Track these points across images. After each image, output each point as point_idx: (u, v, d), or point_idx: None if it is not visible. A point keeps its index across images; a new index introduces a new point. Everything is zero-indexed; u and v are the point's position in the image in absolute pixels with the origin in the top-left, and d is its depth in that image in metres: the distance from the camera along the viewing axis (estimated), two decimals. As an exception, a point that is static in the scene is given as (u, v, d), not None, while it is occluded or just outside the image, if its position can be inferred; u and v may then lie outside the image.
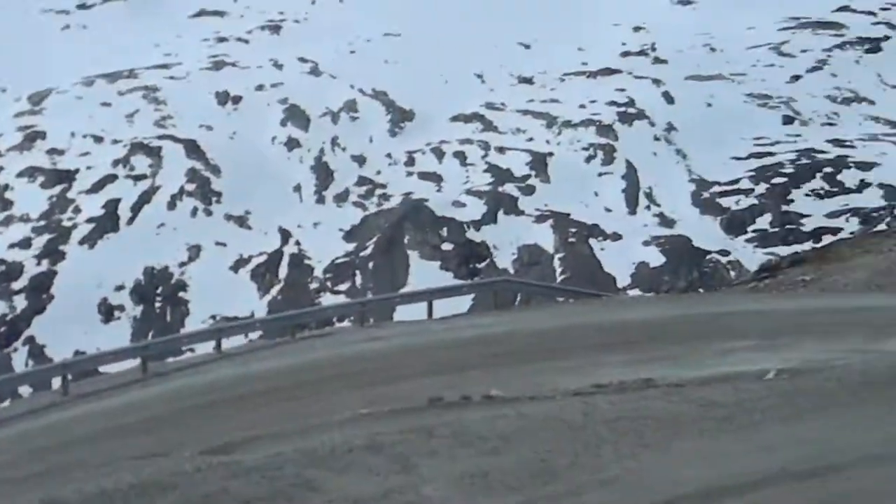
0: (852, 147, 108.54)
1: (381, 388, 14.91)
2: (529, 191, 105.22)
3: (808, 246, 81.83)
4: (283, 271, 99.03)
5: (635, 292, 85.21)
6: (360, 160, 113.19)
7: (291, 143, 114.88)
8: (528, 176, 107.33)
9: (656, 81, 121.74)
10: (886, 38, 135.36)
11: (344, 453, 8.51)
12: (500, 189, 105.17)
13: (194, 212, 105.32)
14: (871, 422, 8.82)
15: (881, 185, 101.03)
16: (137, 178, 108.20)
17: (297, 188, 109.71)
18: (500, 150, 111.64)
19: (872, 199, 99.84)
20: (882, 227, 61.84)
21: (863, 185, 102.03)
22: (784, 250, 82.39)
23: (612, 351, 15.51)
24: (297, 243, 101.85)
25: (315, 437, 9.56)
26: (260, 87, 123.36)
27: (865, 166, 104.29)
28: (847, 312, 20.13)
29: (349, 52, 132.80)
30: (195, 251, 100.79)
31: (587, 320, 22.09)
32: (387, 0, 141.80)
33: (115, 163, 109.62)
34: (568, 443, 8.21)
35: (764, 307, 22.50)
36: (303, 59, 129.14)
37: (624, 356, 14.80)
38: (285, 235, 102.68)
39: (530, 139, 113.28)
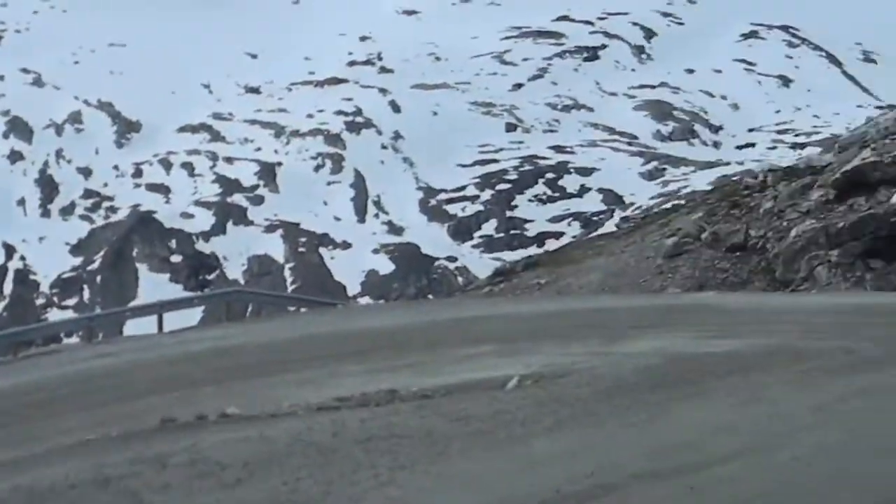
0: (573, 153, 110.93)
1: (110, 408, 13.94)
2: (258, 201, 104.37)
3: (532, 250, 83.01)
4: (7, 287, 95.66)
5: (366, 300, 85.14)
6: (86, 172, 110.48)
7: (14, 156, 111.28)
8: (257, 186, 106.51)
9: (383, 90, 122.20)
10: (604, 46, 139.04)
11: (66, 490, 7.70)
12: (228, 199, 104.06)
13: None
14: (633, 431, 8.47)
15: (600, 190, 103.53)
16: None
17: (21, 202, 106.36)
18: (229, 160, 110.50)
19: (592, 203, 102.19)
20: (612, 228, 63.03)
21: (583, 190, 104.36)
22: (510, 255, 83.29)
23: (351, 360, 14.87)
24: (22, 258, 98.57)
25: (34, 471, 8.69)
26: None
27: (585, 172, 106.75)
28: (584, 315, 20.02)
29: (73, 62, 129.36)
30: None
31: (323, 330, 21.43)
32: (111, 10, 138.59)
33: None
34: (319, 468, 7.56)
35: (501, 311, 22.28)
36: (25, 70, 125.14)
37: (363, 365, 14.18)
38: (9, 250, 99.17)
39: (258, 149, 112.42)
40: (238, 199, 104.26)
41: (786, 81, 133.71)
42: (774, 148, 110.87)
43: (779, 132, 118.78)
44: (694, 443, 7.95)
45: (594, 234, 71.06)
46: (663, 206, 62.10)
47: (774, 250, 27.88)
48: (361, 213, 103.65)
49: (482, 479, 7.23)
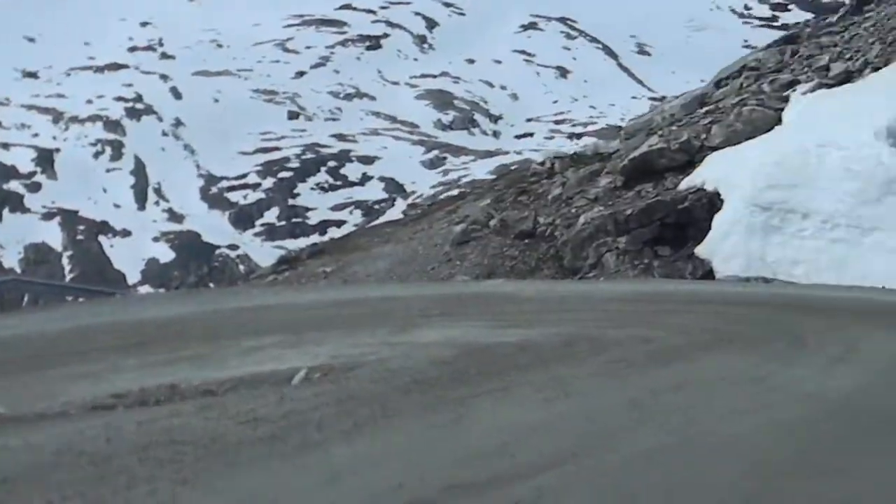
0: (355, 142, 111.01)
1: None
2: (36, 188, 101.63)
3: (314, 238, 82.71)
4: None
5: (146, 289, 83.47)
6: None
7: None
8: (34, 172, 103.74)
9: (164, 77, 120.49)
10: (386, 35, 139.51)
11: None
12: (4, 186, 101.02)
13: None
14: (439, 434, 7.87)
15: (382, 178, 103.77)
16: None
17: None
18: (5, 146, 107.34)
19: (374, 191, 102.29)
20: (394, 217, 62.77)
21: (365, 178, 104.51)
22: (292, 243, 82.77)
23: (131, 353, 13.99)
24: None
25: None
26: None
27: (367, 160, 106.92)
28: (372, 303, 19.49)
29: None
30: None
31: (102, 320, 20.35)
32: None
33: None
34: (89, 484, 6.77)
35: (286, 301, 21.61)
36: None
37: (144, 358, 13.33)
38: None
39: (36, 135, 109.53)
40: (14, 185, 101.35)
41: (563, 72, 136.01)
42: (552, 138, 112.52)
43: (556, 122, 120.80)
44: (508, 447, 7.35)
45: (378, 221, 70.88)
46: (449, 194, 62.19)
47: (563, 237, 27.79)
48: (142, 201, 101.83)
49: (276, 495, 6.53)
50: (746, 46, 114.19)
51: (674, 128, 29.87)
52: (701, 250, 25.39)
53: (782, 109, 28.34)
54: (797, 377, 10.11)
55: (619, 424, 8.02)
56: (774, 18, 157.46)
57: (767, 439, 7.75)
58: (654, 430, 7.86)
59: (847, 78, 28.43)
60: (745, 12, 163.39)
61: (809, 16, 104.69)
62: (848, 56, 29.65)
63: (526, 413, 8.37)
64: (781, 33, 45.99)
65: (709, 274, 24.90)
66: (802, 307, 17.15)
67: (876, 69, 27.89)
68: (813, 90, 28.52)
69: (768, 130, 27.76)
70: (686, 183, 27.14)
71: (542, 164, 33.93)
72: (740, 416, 8.38)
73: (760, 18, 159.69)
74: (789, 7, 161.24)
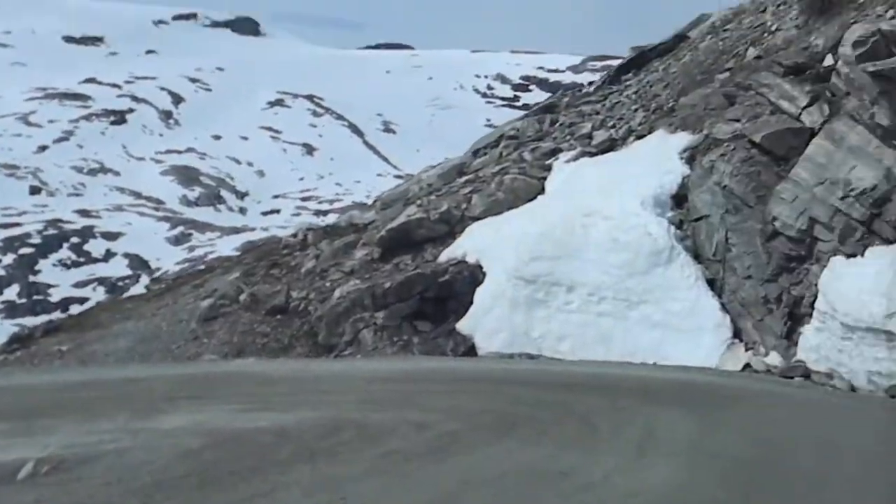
0: (98, 217, 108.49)
1: None
2: None
3: (56, 316, 79.67)
4: None
5: None
6: None
7: None
8: None
9: None
10: (131, 110, 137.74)
11: None
12: None
13: None
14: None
15: (126, 255, 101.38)
16: None
17: None
18: None
19: (118, 268, 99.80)
20: (142, 291, 60.46)
21: (109, 255, 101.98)
22: (32, 320, 79.66)
23: None
24: None
25: None
26: None
27: (111, 236, 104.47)
28: (111, 385, 18.04)
29: None
30: None
31: None
32: None
33: None
34: None
35: (17, 383, 19.92)
36: None
37: None
38: None
39: None
40: None
41: (310, 149, 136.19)
42: (298, 214, 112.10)
43: (303, 199, 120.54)
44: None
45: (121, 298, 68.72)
46: (197, 268, 60.48)
47: (317, 312, 26.39)
48: None
49: None
50: (489, 125, 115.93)
51: (433, 197, 28.90)
52: (463, 325, 24.35)
53: (545, 178, 27.63)
54: (605, 471, 8.76)
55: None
56: (516, 98, 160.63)
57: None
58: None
59: (611, 146, 27.89)
60: (488, 92, 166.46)
61: (549, 95, 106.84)
62: (611, 124, 29.21)
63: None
64: (522, 113, 45.75)
65: (471, 350, 23.86)
66: (577, 385, 16.28)
67: (640, 137, 27.39)
68: (576, 158, 27.91)
69: (531, 200, 27.00)
70: (447, 254, 26.14)
71: (295, 235, 32.52)
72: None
73: (503, 98, 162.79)
74: (530, 88, 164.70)
